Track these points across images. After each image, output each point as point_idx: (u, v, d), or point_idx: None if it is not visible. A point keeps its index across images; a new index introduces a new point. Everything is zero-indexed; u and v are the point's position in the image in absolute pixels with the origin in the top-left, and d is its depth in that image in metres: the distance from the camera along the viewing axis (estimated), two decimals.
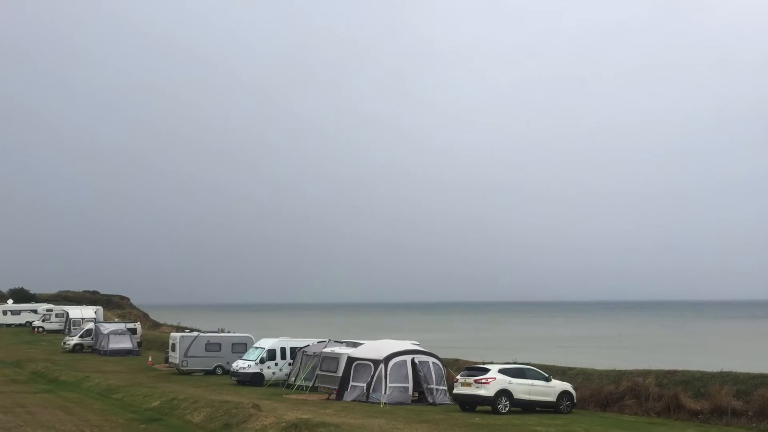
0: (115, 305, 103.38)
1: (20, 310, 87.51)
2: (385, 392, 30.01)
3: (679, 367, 31.06)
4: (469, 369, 29.41)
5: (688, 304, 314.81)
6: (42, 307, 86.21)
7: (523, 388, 27.80)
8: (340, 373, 31.94)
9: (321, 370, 33.77)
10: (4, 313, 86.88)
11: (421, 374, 31.10)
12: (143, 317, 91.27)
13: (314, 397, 31.92)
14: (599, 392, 30.40)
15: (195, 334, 46.45)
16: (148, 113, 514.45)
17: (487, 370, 28.15)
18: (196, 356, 43.57)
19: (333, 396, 31.28)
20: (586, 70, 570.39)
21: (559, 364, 35.12)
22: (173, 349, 44.69)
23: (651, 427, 24.86)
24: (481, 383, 27.48)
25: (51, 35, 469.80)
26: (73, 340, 60.32)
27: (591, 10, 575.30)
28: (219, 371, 43.33)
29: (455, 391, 28.83)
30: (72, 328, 68.22)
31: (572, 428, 23.39)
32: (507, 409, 27.28)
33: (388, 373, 30.50)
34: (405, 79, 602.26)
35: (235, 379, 38.47)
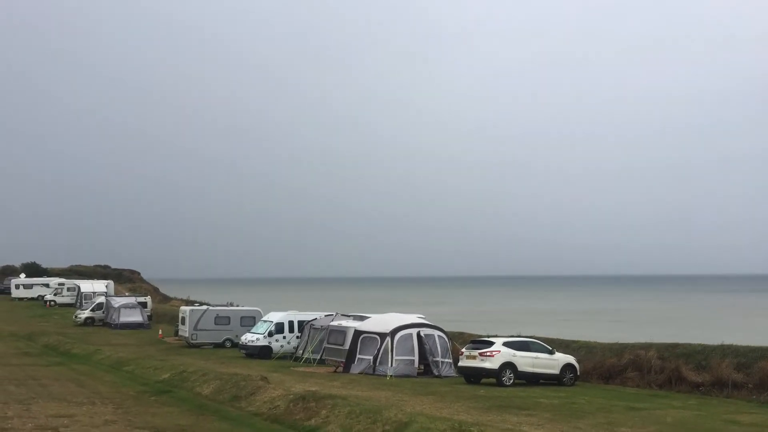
0: (125, 279, 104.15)
1: (32, 284, 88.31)
2: (392, 365, 30.40)
3: (681, 340, 31.24)
4: (474, 342, 29.71)
5: (690, 279, 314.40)
6: (54, 281, 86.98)
7: (527, 361, 28.10)
8: (347, 346, 32.31)
9: (328, 343, 34.14)
10: (17, 287, 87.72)
11: (427, 347, 31.45)
12: (153, 291, 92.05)
13: (321, 369, 32.30)
14: (602, 365, 30.66)
15: (204, 307, 46.96)
16: (158, 91, 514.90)
17: (491, 343, 28.43)
18: (205, 329, 44.06)
19: (340, 369, 31.67)
20: (588, 48, 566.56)
21: (562, 337, 35.41)
22: (183, 323, 45.18)
23: (653, 399, 25.15)
24: (486, 356, 27.79)
25: (63, 14, 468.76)
26: (85, 314, 61.01)
27: None
28: (228, 344, 43.82)
29: (460, 363, 29.18)
30: (83, 301, 68.91)
31: (575, 400, 23.67)
32: (511, 381, 27.60)
33: (395, 346, 30.87)
34: (410, 58, 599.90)
35: (244, 352, 38.90)
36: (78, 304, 71.00)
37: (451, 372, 31.21)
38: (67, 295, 78.98)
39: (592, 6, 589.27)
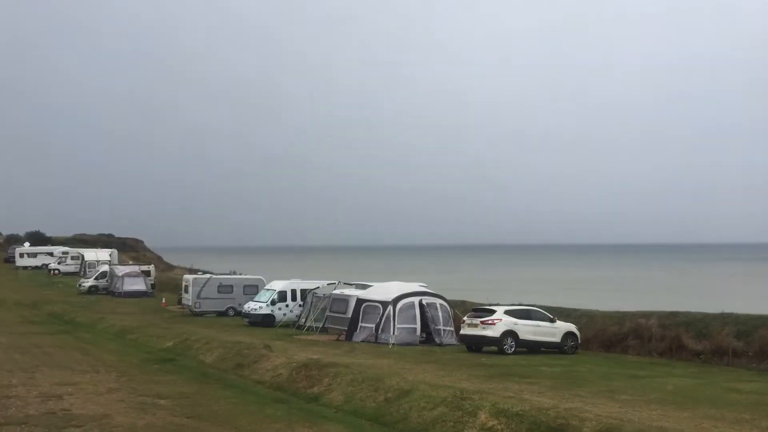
0: (129, 248, 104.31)
1: (36, 253, 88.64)
2: (394, 333, 30.49)
3: (681, 309, 31.29)
4: (475, 310, 29.75)
5: (690, 247, 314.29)
6: (58, 249, 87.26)
7: (529, 329, 28.18)
8: (349, 315, 32.36)
9: (331, 311, 34.21)
10: (21, 255, 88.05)
11: (429, 315, 31.54)
12: (157, 260, 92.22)
13: (324, 338, 32.42)
14: (603, 333, 30.73)
15: (208, 276, 47.07)
16: (161, 59, 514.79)
17: (493, 312, 28.50)
18: (208, 298, 44.24)
19: (342, 337, 31.78)
20: (588, 17, 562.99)
21: (563, 306, 35.43)
22: (186, 291, 45.38)
23: (654, 367, 25.23)
24: (488, 324, 27.87)
25: None
26: (89, 282, 61.25)
27: None
28: (231, 313, 44.01)
29: (462, 332, 29.27)
30: (87, 270, 69.20)
31: (576, 368, 23.77)
32: (513, 349, 27.68)
33: (397, 314, 30.95)
34: (414, 26, 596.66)
35: (247, 320, 39.06)
36: (82, 272, 71.30)
37: (453, 340, 31.31)
38: (71, 264, 79.32)
39: None
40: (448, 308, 32.59)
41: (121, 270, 60.28)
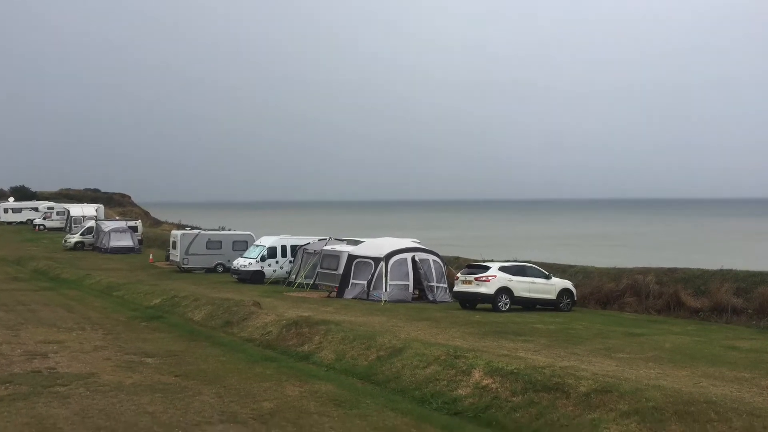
0: (116, 203, 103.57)
1: (21, 208, 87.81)
2: (386, 290, 30.09)
3: (680, 265, 31.08)
4: (469, 267, 29.34)
5: (688, 202, 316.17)
6: (43, 204, 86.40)
7: (524, 286, 27.80)
8: (340, 271, 31.98)
9: (321, 268, 33.80)
10: (6, 211, 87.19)
11: (422, 272, 31.12)
12: (144, 215, 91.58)
13: (315, 294, 32.03)
14: (599, 290, 30.45)
15: (196, 232, 46.50)
16: (154, 13, 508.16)
17: (487, 268, 28.07)
18: (197, 254, 43.76)
19: (333, 294, 31.39)
20: None
21: (559, 262, 35.17)
22: (174, 247, 44.86)
23: (651, 324, 24.95)
24: (482, 281, 27.44)
25: None
26: (75, 238, 60.66)
27: None
28: (220, 269, 43.59)
29: (456, 288, 28.82)
30: (73, 226, 68.49)
31: (572, 326, 23.46)
32: (507, 306, 27.34)
33: (389, 270, 30.51)
34: None
35: (236, 276, 38.66)
36: (67, 228, 70.59)
37: (446, 297, 30.95)
38: (57, 219, 78.60)
39: None
40: (442, 265, 32.16)
41: (107, 225, 59.61)
